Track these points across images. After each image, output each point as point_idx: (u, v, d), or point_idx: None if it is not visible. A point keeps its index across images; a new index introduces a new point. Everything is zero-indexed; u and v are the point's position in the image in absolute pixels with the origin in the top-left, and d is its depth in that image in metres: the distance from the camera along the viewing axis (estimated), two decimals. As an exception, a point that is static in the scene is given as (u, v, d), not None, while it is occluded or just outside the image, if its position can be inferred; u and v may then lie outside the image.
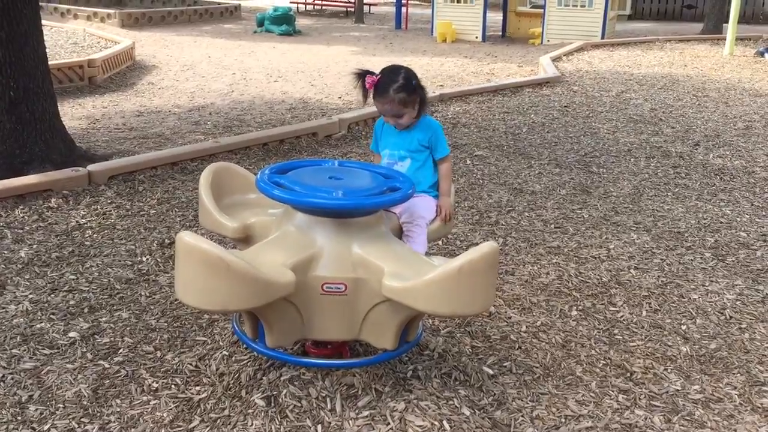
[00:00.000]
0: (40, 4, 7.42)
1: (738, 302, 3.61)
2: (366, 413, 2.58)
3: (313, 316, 2.59)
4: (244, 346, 2.95)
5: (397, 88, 2.89)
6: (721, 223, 4.72)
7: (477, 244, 2.50)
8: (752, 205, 5.11)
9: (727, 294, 3.70)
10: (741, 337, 3.27)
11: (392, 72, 2.96)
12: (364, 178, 2.81)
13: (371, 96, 2.97)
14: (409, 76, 2.95)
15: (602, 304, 3.55)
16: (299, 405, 2.62)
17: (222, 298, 2.31)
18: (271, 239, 2.69)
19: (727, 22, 13.10)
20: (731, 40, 12.72)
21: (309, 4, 21.51)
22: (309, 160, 3.02)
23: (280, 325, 2.57)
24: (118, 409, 2.59)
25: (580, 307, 3.50)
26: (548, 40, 14.96)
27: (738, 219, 4.80)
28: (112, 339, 3.06)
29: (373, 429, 2.52)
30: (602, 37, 14.59)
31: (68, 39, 12.18)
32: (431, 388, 2.74)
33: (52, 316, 3.24)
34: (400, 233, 2.90)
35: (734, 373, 2.97)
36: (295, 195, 2.57)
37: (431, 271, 2.39)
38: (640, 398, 2.77)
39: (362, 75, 2.96)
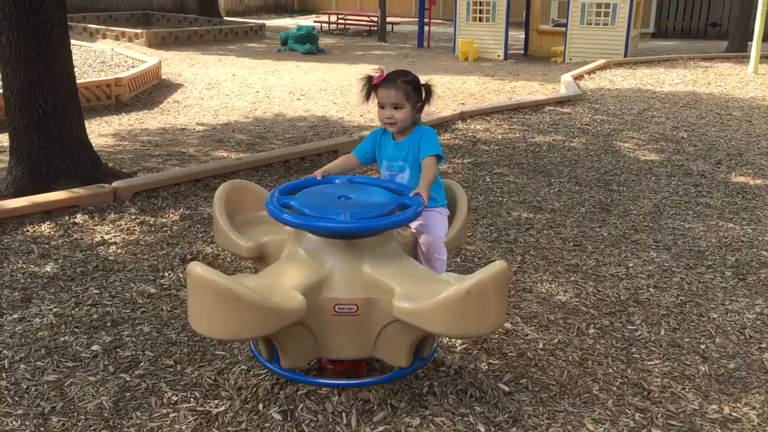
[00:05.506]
0: (70, 24, 7.59)
1: (758, 322, 3.58)
2: (381, 428, 2.60)
3: (326, 337, 2.61)
4: (262, 361, 2.99)
5: (405, 80, 2.99)
6: (743, 242, 4.69)
7: (495, 261, 2.51)
8: (775, 224, 5.07)
9: (747, 313, 3.67)
10: (760, 357, 3.24)
11: (402, 70, 3.10)
12: (374, 196, 2.82)
13: (374, 95, 3.02)
14: (417, 78, 3.06)
15: (620, 322, 3.54)
16: (315, 419, 2.65)
17: (233, 327, 2.33)
18: (282, 262, 2.71)
19: (751, 40, 13.00)
20: (756, 58, 12.62)
21: (332, 23, 21.73)
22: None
23: (294, 347, 2.60)
24: (138, 422, 2.64)
25: (597, 325, 3.49)
26: (570, 59, 14.96)
27: (760, 238, 4.76)
28: (133, 352, 3.12)
29: (388, 444, 2.54)
30: (625, 56, 14.56)
31: (96, 58, 12.43)
32: (446, 404, 2.76)
33: (75, 329, 3.31)
34: (414, 247, 2.93)
35: (753, 393, 2.95)
36: (303, 219, 2.60)
37: (441, 293, 2.38)
38: (657, 417, 2.76)
39: (370, 77, 3.05)
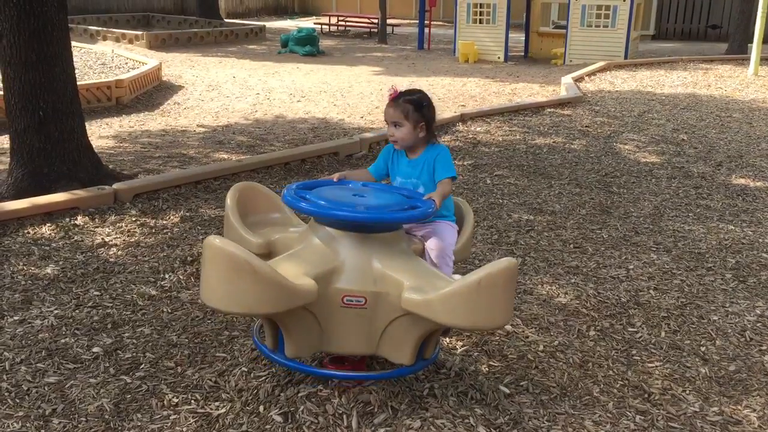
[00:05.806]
0: (71, 25, 7.60)
1: (759, 324, 3.59)
2: (382, 431, 2.60)
3: (333, 329, 2.65)
4: (263, 362, 2.99)
5: (407, 99, 3.03)
6: (743, 244, 4.69)
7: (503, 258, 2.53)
8: (775, 226, 5.07)
9: (748, 315, 3.67)
10: (761, 359, 3.25)
11: (411, 89, 3.14)
12: (387, 196, 2.89)
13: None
14: (424, 97, 3.08)
15: (621, 324, 3.54)
16: (316, 421, 2.65)
17: (247, 301, 2.38)
18: (295, 251, 2.77)
19: (751, 42, 12.99)
20: (756, 60, 12.62)
21: (333, 25, 21.73)
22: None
23: (300, 335, 2.63)
24: (139, 424, 2.64)
25: (598, 328, 3.49)
26: (570, 61, 14.96)
27: (760, 240, 4.77)
28: (134, 354, 3.12)
29: (389, 446, 2.54)
30: (625, 57, 14.56)
31: (97, 60, 12.42)
32: (447, 406, 2.76)
33: (76, 331, 3.31)
34: (422, 256, 2.95)
35: (753, 395, 2.95)
36: (320, 207, 2.67)
37: (450, 285, 2.44)
38: (657, 419, 2.76)
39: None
